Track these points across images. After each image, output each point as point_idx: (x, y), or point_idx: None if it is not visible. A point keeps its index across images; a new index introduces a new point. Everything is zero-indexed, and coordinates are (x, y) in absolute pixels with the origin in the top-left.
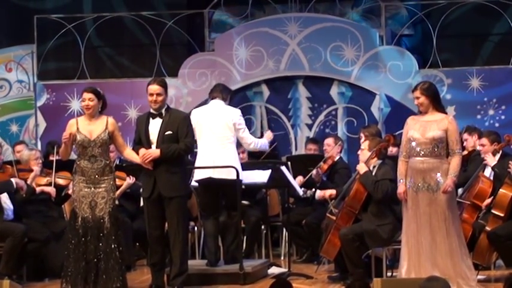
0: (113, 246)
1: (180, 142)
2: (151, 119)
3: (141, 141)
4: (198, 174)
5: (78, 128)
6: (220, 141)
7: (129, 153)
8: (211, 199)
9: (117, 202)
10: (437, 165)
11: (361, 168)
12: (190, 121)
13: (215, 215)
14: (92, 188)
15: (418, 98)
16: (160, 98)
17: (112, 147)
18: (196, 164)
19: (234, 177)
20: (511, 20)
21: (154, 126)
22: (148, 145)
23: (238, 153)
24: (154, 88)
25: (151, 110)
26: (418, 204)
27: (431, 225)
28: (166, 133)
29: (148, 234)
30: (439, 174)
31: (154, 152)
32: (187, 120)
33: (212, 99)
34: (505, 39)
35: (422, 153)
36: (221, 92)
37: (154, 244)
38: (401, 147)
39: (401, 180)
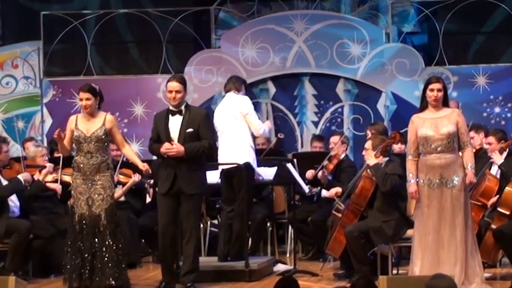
0: (108, 243)
1: (203, 140)
2: (170, 116)
3: (159, 138)
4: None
5: (76, 125)
6: (230, 134)
7: (129, 152)
8: (229, 190)
9: (123, 199)
10: (453, 160)
11: (371, 160)
12: (210, 118)
13: (232, 207)
14: (89, 185)
15: (440, 90)
16: (179, 95)
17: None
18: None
19: (244, 159)
20: None
21: (175, 123)
22: (168, 142)
23: None
24: (174, 85)
25: (171, 107)
26: (438, 201)
27: (451, 221)
28: (188, 130)
29: (162, 230)
30: (456, 173)
31: (180, 148)
32: (208, 118)
33: (226, 92)
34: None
35: (439, 149)
36: (234, 83)
37: (167, 240)
38: (409, 147)
39: (411, 180)
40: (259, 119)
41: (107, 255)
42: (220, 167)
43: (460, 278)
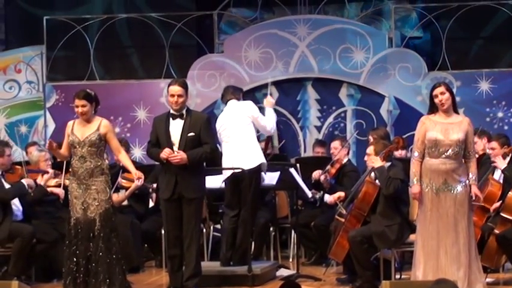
0: (102, 248)
1: (205, 145)
2: (171, 119)
3: (158, 142)
4: (225, 175)
5: (72, 130)
6: (240, 139)
7: (124, 158)
8: (234, 195)
9: (126, 203)
10: (457, 166)
11: (376, 162)
12: (211, 122)
13: (235, 212)
14: (84, 189)
15: (443, 93)
16: (181, 99)
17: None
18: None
19: (254, 163)
20: None
21: (176, 127)
22: (169, 146)
23: None
24: (176, 89)
25: (172, 111)
26: (441, 205)
27: (454, 226)
28: (189, 135)
29: (167, 234)
30: (460, 179)
31: (183, 155)
32: (209, 122)
33: (226, 102)
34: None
35: (446, 154)
36: (233, 93)
37: (172, 244)
38: (415, 147)
39: (415, 181)
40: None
41: (100, 260)
42: (227, 172)
43: (463, 284)
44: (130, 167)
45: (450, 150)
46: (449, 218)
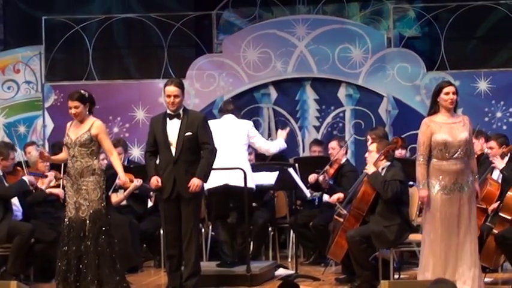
0: (91, 248)
1: (204, 150)
2: (168, 119)
3: (155, 142)
4: (212, 182)
5: (68, 130)
6: (234, 151)
7: (115, 161)
8: (225, 205)
9: (125, 203)
10: (466, 165)
11: (370, 168)
12: (208, 121)
13: (225, 218)
14: (76, 189)
15: (454, 93)
16: (177, 100)
17: (120, 149)
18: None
19: (248, 184)
20: None
21: (173, 127)
22: (166, 146)
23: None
24: (172, 89)
25: (168, 111)
26: (452, 205)
27: (467, 225)
28: (186, 134)
29: (166, 234)
30: (468, 178)
31: (198, 183)
32: (206, 121)
33: (223, 114)
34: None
35: (456, 155)
36: (233, 111)
37: (170, 244)
38: (420, 151)
39: (421, 185)
40: (260, 125)
41: (88, 261)
42: (214, 182)
43: (473, 283)
44: (120, 170)
45: (460, 151)
46: (461, 217)
